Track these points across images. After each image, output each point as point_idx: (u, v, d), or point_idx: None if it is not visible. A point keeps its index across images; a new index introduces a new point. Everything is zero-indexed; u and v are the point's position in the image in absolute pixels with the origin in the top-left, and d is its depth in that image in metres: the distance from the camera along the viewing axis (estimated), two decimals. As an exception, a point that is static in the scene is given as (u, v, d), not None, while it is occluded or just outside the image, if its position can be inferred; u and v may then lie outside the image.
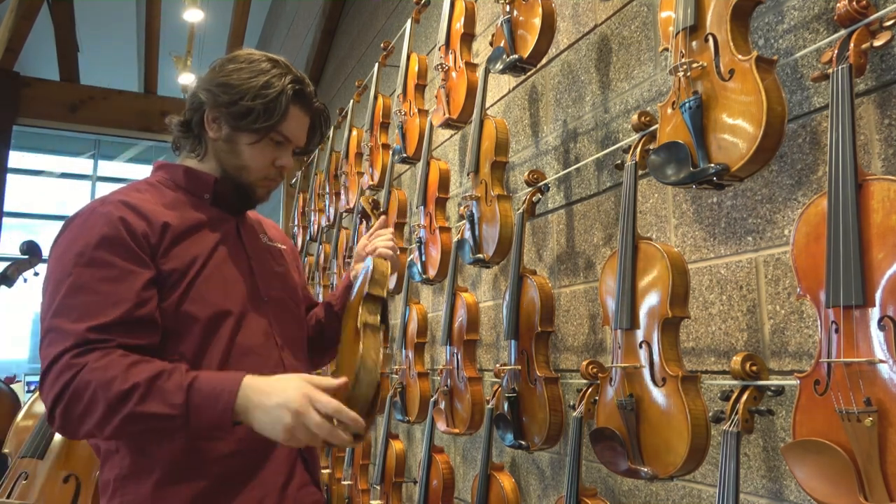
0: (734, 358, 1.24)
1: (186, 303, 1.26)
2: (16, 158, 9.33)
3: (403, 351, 2.76)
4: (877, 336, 0.99)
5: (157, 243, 1.26)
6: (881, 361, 0.98)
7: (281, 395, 1.11)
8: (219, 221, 1.40)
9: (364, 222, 1.77)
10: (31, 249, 3.26)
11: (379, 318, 1.29)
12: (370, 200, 1.74)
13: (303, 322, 1.55)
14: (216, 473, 1.25)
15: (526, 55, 1.93)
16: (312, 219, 4.70)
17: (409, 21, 3.02)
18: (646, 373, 1.39)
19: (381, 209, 1.71)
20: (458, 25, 2.40)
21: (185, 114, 1.41)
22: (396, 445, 2.91)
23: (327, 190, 4.23)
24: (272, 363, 1.36)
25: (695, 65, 1.30)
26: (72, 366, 1.12)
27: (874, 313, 1.00)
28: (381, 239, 1.57)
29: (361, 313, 1.29)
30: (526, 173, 2.00)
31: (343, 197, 3.86)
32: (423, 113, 2.81)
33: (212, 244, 1.35)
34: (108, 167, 11.82)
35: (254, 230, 1.51)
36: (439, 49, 2.52)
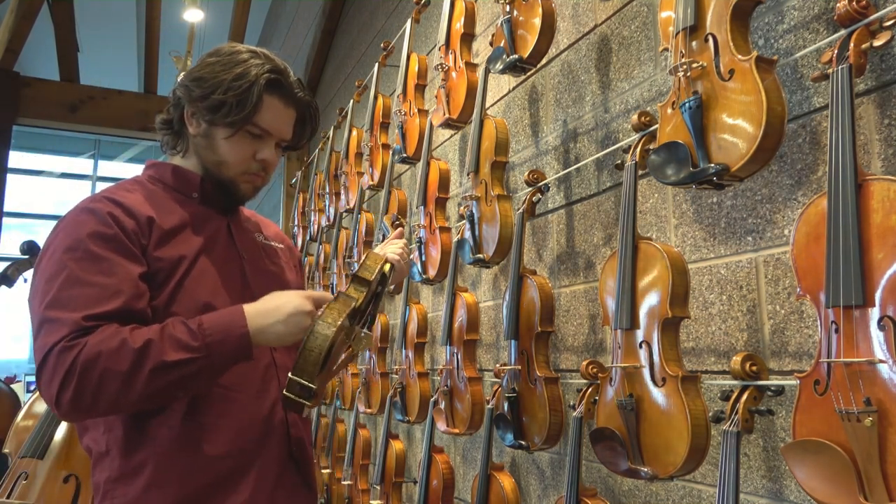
0: (734, 358, 1.24)
1: (175, 304, 1.25)
2: (16, 158, 9.33)
3: (403, 351, 2.76)
4: (877, 336, 0.99)
5: (146, 242, 1.26)
6: (881, 361, 0.98)
7: (289, 305, 1.22)
8: (208, 220, 1.39)
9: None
10: (31, 249, 3.26)
11: (361, 295, 1.29)
12: (391, 216, 1.81)
13: None
14: (206, 476, 1.25)
15: (526, 55, 1.93)
16: (312, 219, 4.70)
17: (409, 21, 3.02)
18: (646, 373, 1.39)
19: (400, 223, 1.79)
20: (458, 25, 2.40)
21: (168, 110, 1.40)
22: (396, 445, 2.91)
23: (327, 190, 4.23)
24: (264, 363, 1.36)
25: (695, 65, 1.30)
26: (70, 347, 1.11)
27: (874, 313, 1.00)
28: (392, 245, 1.61)
29: (346, 287, 1.32)
30: (526, 173, 2.00)
31: (343, 197, 3.86)
32: (423, 113, 2.81)
33: (200, 243, 1.33)
34: (108, 167, 11.84)
35: (248, 229, 1.49)
36: (439, 49, 2.52)
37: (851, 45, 1.09)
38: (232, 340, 1.18)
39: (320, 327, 1.18)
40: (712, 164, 1.25)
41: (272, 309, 1.22)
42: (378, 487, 2.94)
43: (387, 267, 1.41)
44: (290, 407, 1.20)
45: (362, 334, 1.33)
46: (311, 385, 1.16)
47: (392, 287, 2.99)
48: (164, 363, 1.12)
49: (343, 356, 1.31)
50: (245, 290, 1.37)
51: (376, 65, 3.45)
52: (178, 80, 1.37)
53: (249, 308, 1.22)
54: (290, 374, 1.18)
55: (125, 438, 1.24)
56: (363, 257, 1.38)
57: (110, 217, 1.23)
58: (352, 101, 3.98)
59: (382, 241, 1.77)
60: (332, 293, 3.96)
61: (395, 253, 1.57)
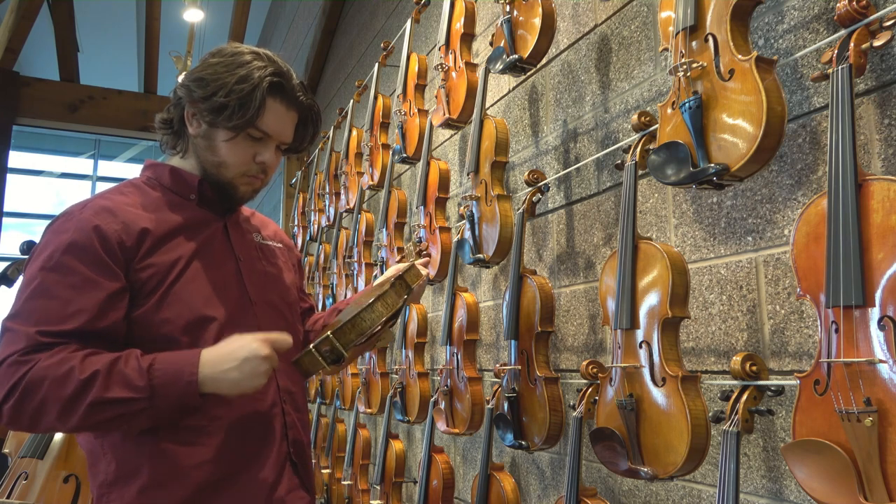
0: (734, 358, 1.24)
1: (165, 308, 1.24)
2: (16, 158, 9.34)
3: (403, 351, 2.76)
4: (877, 336, 0.99)
5: (133, 249, 1.24)
6: (881, 361, 0.98)
7: (243, 350, 1.17)
8: (205, 222, 1.37)
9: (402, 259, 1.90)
10: (30, 249, 3.24)
11: (402, 299, 1.31)
12: (422, 246, 1.86)
13: (295, 324, 1.52)
14: (201, 478, 1.24)
15: (526, 55, 1.93)
16: (312, 219, 4.70)
17: (409, 21, 3.02)
18: (646, 373, 1.39)
19: (428, 254, 1.82)
20: (458, 25, 2.40)
21: (169, 110, 1.39)
22: (396, 445, 2.91)
23: (327, 190, 4.23)
24: None
25: (695, 65, 1.30)
26: (21, 363, 1.12)
27: (874, 313, 1.00)
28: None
29: (392, 280, 1.34)
30: (526, 173, 2.00)
31: (343, 197, 3.86)
32: (423, 113, 2.81)
33: (195, 246, 1.32)
34: (107, 167, 11.83)
35: (245, 230, 1.48)
36: (439, 49, 2.52)
37: (851, 45, 1.09)
38: (178, 387, 1.14)
39: (380, 305, 1.21)
40: (712, 164, 1.25)
41: (226, 354, 1.17)
42: (378, 487, 2.94)
43: (416, 286, 1.44)
44: (302, 365, 1.20)
45: (390, 329, 1.34)
46: (343, 351, 1.17)
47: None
48: (104, 399, 1.11)
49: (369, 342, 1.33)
50: (241, 292, 1.36)
51: (376, 65, 3.45)
52: (180, 79, 1.36)
53: (208, 353, 1.18)
54: (328, 333, 1.17)
55: (120, 442, 1.23)
56: (408, 267, 1.40)
57: (94, 230, 1.21)
58: (352, 101, 3.98)
59: (400, 261, 1.78)
60: (333, 293, 3.96)
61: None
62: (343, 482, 3.44)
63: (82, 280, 1.18)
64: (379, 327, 1.24)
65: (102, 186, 11.00)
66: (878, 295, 1.00)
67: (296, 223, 5.18)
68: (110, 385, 1.11)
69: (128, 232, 1.24)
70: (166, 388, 1.14)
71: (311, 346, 1.18)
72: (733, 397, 1.23)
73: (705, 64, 1.29)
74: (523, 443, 1.86)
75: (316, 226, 4.55)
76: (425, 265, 1.72)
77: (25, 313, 1.16)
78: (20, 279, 3.51)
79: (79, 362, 1.12)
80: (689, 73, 1.32)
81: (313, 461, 3.90)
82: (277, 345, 1.21)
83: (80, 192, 11.43)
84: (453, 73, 2.41)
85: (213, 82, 1.27)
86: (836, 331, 1.04)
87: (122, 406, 1.12)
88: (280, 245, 1.56)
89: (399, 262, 1.65)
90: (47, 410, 1.11)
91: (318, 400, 4.13)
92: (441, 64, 2.48)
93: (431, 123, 2.67)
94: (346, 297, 3.66)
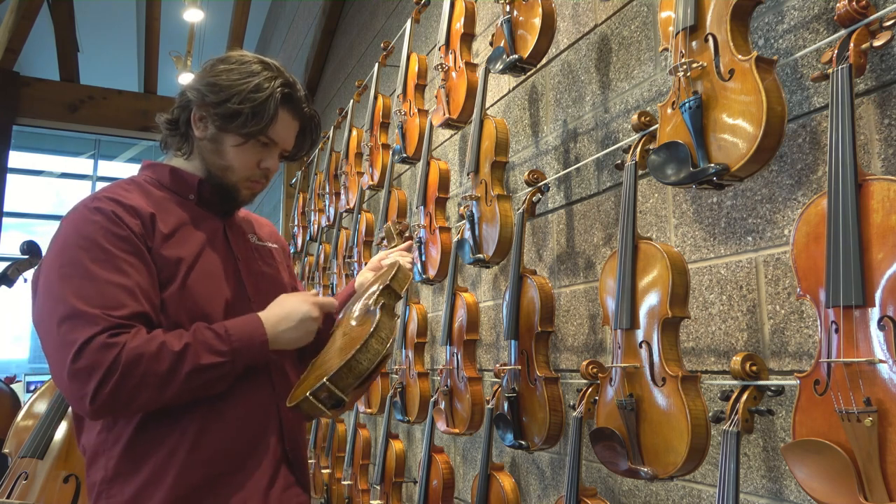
0: (734, 358, 1.24)
1: (173, 305, 1.26)
2: (16, 158, 9.34)
3: (403, 351, 2.76)
4: (877, 336, 0.99)
5: (150, 243, 1.27)
6: (881, 361, 0.98)
7: (298, 311, 1.32)
8: (204, 222, 1.39)
9: (387, 243, 1.86)
10: (31, 249, 3.26)
11: (395, 321, 1.30)
12: (403, 226, 1.82)
13: None
14: (198, 476, 1.25)
15: (526, 55, 1.93)
16: (312, 219, 4.70)
17: (409, 21, 3.02)
18: (646, 373, 1.39)
19: (410, 236, 1.76)
20: (458, 25, 2.40)
21: (173, 111, 1.40)
22: (396, 445, 2.91)
23: (327, 190, 4.23)
24: (259, 365, 1.36)
25: (695, 65, 1.30)
26: (111, 345, 1.13)
27: (874, 313, 1.00)
28: (405, 258, 1.66)
29: (379, 297, 1.33)
30: (526, 173, 2.00)
31: (343, 197, 3.86)
32: (423, 113, 2.81)
33: (197, 246, 1.34)
34: (107, 167, 11.84)
35: (242, 230, 1.50)
36: (439, 49, 2.52)
37: (851, 45, 1.09)
38: (255, 347, 1.26)
39: (375, 342, 1.20)
40: (712, 164, 1.25)
41: (284, 316, 1.31)
42: (378, 487, 2.94)
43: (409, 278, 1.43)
44: (303, 410, 1.19)
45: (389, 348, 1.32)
46: (342, 397, 1.16)
47: None
48: (201, 366, 1.19)
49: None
50: (240, 292, 1.38)
51: (376, 65, 3.45)
52: (189, 82, 1.38)
53: (265, 316, 1.30)
54: (325, 380, 1.17)
55: (125, 438, 1.24)
56: (394, 270, 1.39)
57: (116, 216, 1.24)
58: (352, 101, 3.98)
59: (385, 245, 1.76)
60: (332, 293, 3.96)
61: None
62: (343, 482, 3.44)
63: (127, 265, 1.21)
64: (377, 363, 1.21)
65: (102, 186, 11.03)
66: (878, 295, 1.00)
67: (296, 223, 5.18)
68: (200, 353, 1.20)
69: (143, 224, 1.27)
70: (244, 351, 1.25)
71: (308, 392, 1.17)
72: (733, 397, 1.23)
73: (705, 64, 1.29)
74: (523, 443, 1.86)
75: (316, 226, 4.55)
76: (408, 249, 1.74)
77: (86, 296, 1.17)
78: (20, 279, 3.50)
79: (165, 337, 1.18)
80: (689, 73, 1.32)
81: (313, 461, 3.91)
82: (325, 308, 1.37)
83: (80, 192, 11.45)
84: (453, 73, 2.41)
85: (227, 89, 1.31)
86: (836, 331, 1.04)
87: (213, 370, 1.21)
88: (276, 246, 1.59)
89: (379, 244, 1.63)
90: (146, 386, 1.16)
91: (318, 400, 4.13)
92: (441, 64, 2.48)
93: (431, 123, 2.67)
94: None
